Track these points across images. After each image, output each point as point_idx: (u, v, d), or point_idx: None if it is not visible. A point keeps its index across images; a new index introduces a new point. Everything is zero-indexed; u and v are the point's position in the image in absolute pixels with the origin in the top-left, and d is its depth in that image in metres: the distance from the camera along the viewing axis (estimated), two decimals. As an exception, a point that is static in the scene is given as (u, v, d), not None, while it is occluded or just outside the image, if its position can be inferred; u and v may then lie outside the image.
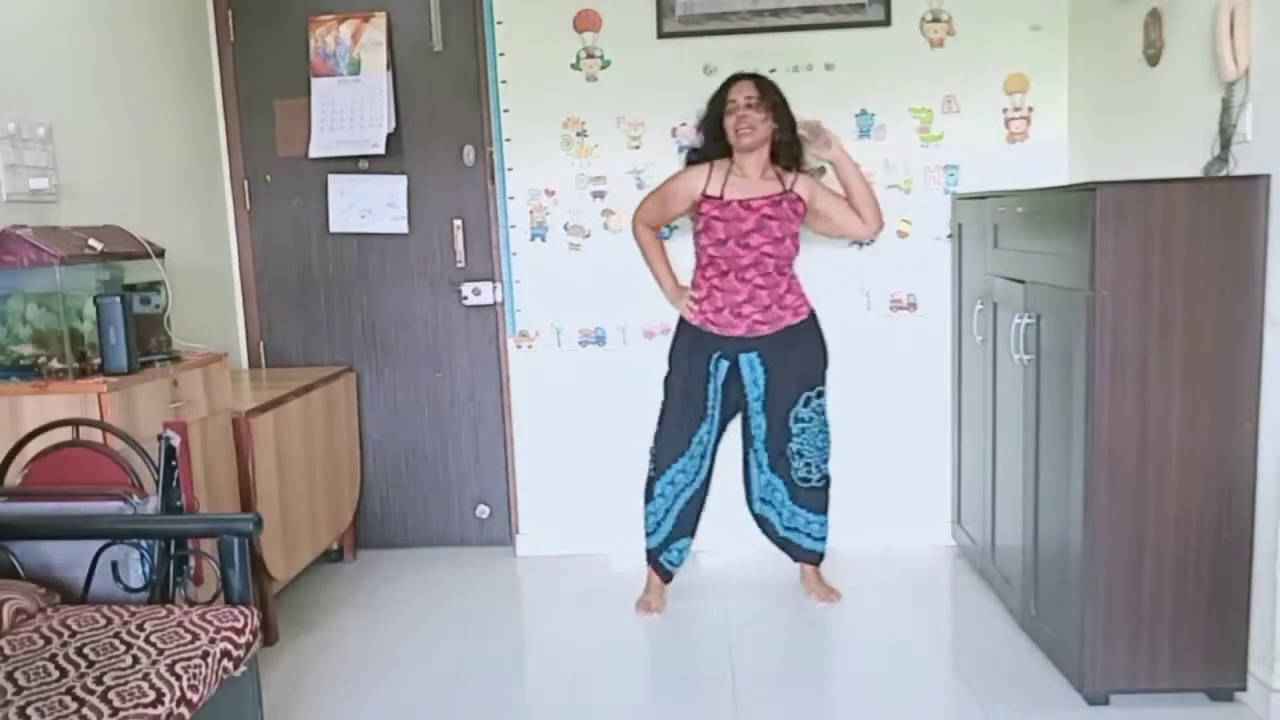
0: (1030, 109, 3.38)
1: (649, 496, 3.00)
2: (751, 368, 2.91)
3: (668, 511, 2.99)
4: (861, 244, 3.45)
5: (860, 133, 3.41)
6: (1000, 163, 3.38)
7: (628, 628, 2.98)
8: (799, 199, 2.89)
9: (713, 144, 2.94)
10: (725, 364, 2.91)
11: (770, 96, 2.88)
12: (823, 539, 3.08)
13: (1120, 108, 2.96)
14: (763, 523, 3.15)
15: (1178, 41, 2.60)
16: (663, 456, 2.96)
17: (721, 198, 2.86)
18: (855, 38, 3.37)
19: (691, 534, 3.06)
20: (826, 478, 3.03)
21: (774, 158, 2.94)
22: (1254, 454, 2.27)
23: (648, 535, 3.04)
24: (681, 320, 2.98)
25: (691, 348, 2.94)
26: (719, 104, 2.91)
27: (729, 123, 2.87)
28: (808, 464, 2.98)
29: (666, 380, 2.99)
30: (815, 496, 3.02)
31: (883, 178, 3.42)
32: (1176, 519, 2.29)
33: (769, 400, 2.95)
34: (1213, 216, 2.22)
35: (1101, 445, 2.28)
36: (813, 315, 2.97)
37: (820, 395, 2.97)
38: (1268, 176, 2.21)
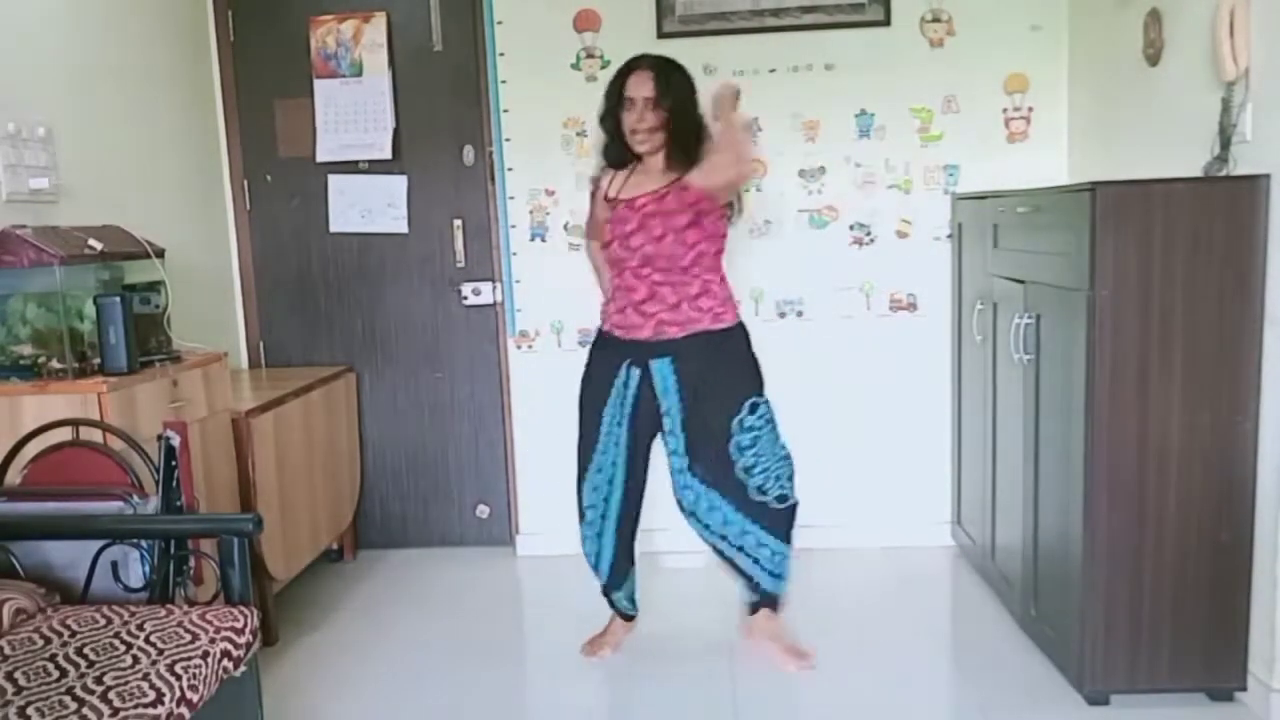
0: (1030, 109, 3.38)
1: (579, 517, 2.73)
2: (663, 375, 2.54)
3: (599, 536, 2.69)
4: (861, 243, 3.45)
5: (860, 133, 3.41)
6: (1000, 163, 3.38)
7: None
8: (686, 187, 2.50)
9: (614, 144, 2.59)
10: (637, 372, 2.56)
11: (674, 93, 2.48)
12: (783, 577, 2.63)
13: (1120, 108, 2.95)
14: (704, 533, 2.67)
15: (1178, 41, 2.60)
16: (578, 474, 2.69)
17: (616, 198, 2.58)
18: (855, 38, 3.37)
19: (632, 565, 2.76)
20: (787, 498, 2.59)
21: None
22: (1254, 454, 2.27)
23: (591, 568, 2.75)
24: (598, 332, 2.69)
25: (598, 357, 2.65)
26: (614, 97, 2.54)
27: (626, 121, 2.51)
28: (763, 477, 2.55)
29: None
30: (773, 516, 2.58)
31: (883, 178, 3.42)
32: (1176, 519, 2.29)
33: (692, 411, 2.54)
34: (1213, 216, 2.22)
35: (1101, 445, 2.28)
36: (741, 328, 2.60)
37: (766, 403, 2.57)
38: (1268, 176, 2.21)
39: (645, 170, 2.57)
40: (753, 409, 2.54)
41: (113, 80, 2.94)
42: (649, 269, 2.53)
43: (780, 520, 2.58)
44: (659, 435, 2.64)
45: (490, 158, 3.52)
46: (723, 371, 2.55)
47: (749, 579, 2.63)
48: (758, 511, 2.56)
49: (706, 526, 2.61)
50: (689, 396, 2.54)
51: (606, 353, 2.63)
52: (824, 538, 3.46)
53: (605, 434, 2.62)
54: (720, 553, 2.64)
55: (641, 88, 2.48)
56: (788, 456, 2.61)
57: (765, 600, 2.66)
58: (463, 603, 3.23)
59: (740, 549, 2.60)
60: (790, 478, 2.61)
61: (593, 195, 2.72)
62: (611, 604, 2.78)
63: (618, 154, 2.60)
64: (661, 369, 2.54)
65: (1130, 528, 2.30)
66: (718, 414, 2.53)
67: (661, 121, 2.48)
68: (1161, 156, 2.67)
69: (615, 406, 2.60)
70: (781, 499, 2.57)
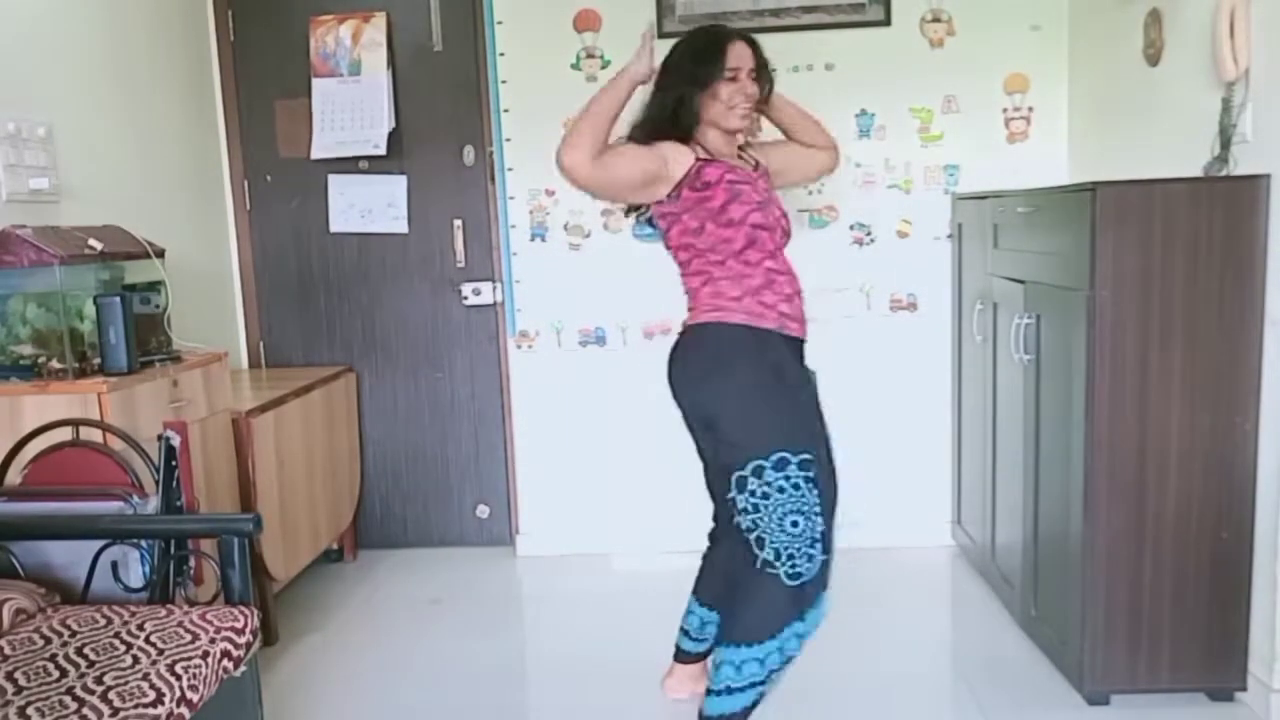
0: (1030, 109, 3.38)
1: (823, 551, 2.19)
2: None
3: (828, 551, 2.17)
4: (862, 243, 3.45)
5: (860, 133, 3.41)
6: (1000, 163, 3.38)
7: (628, 628, 2.98)
8: (766, 173, 2.35)
9: (682, 114, 2.19)
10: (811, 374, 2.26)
11: (767, 66, 2.27)
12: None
13: (1120, 108, 2.95)
14: None
15: (1178, 41, 2.60)
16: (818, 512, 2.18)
17: (729, 167, 2.21)
18: (855, 38, 3.37)
19: (706, 605, 2.48)
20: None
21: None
22: (1254, 454, 2.27)
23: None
24: (756, 329, 2.15)
25: (788, 358, 2.20)
26: (713, 66, 2.17)
27: (725, 92, 2.17)
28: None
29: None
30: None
31: (883, 178, 3.42)
32: (1176, 519, 2.29)
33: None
34: (1213, 216, 2.22)
35: (1101, 445, 2.28)
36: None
37: None
38: (1268, 176, 2.21)
39: (714, 149, 2.24)
40: None
41: (113, 80, 2.94)
42: (783, 251, 2.24)
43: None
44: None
45: (490, 158, 3.52)
46: None
47: None
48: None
49: None
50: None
51: (787, 353, 2.19)
52: (824, 538, 3.47)
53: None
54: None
55: (745, 59, 2.20)
56: None
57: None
58: (463, 603, 3.23)
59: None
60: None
61: (649, 154, 2.16)
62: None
63: (688, 124, 2.20)
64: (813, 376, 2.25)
65: (1130, 528, 2.30)
66: None
67: (760, 96, 2.25)
68: (1161, 156, 2.67)
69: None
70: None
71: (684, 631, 2.53)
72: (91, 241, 2.41)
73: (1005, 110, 3.39)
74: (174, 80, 3.31)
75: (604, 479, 3.58)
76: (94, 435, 2.19)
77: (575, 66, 3.43)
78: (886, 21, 3.36)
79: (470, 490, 3.72)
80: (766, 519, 2.07)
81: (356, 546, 3.68)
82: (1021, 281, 2.66)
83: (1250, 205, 2.21)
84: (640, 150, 2.17)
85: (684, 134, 2.21)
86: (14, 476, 2.18)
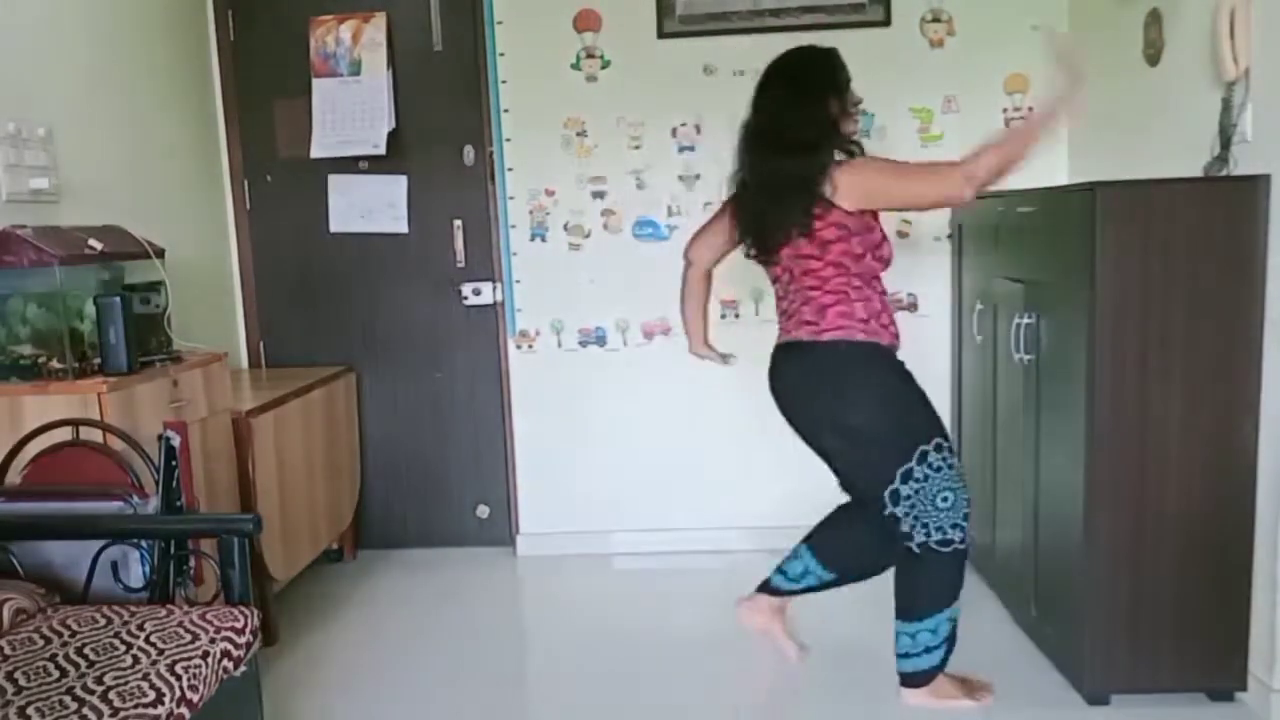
0: (1030, 109, 3.37)
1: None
2: None
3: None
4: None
5: (860, 133, 3.40)
6: (1000, 163, 3.37)
7: (627, 628, 2.98)
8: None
9: (831, 142, 2.34)
10: None
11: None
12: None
13: (1120, 108, 2.95)
14: None
15: (1178, 41, 2.60)
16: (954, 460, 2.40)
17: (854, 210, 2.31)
18: (855, 38, 3.36)
19: (823, 562, 2.55)
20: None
21: None
22: (1254, 454, 2.27)
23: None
24: (884, 348, 2.34)
25: (906, 368, 2.39)
26: (843, 95, 2.37)
27: (848, 128, 2.37)
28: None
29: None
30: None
31: (883, 178, 3.42)
32: (1176, 519, 2.29)
33: None
34: (1213, 216, 2.22)
35: (1101, 445, 2.28)
36: None
37: None
38: (1268, 176, 2.21)
39: None
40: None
41: (113, 80, 2.94)
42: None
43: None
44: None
45: (490, 158, 3.52)
46: None
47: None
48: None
49: None
50: None
51: (900, 363, 2.38)
52: (824, 538, 3.47)
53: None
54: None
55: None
56: None
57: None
58: (463, 603, 3.23)
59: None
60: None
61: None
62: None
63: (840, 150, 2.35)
64: None
65: (1130, 528, 2.30)
66: None
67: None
68: (1161, 156, 2.66)
69: None
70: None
71: (781, 571, 2.59)
72: (91, 241, 2.41)
73: (1005, 110, 3.39)
74: (174, 80, 3.31)
75: (604, 479, 3.58)
76: (94, 435, 2.19)
77: (575, 66, 3.43)
78: (886, 22, 3.36)
79: (470, 490, 3.72)
80: (924, 503, 2.28)
81: (356, 546, 3.68)
82: (1021, 281, 2.66)
83: (1250, 205, 2.21)
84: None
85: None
86: (14, 476, 2.18)
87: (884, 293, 2.38)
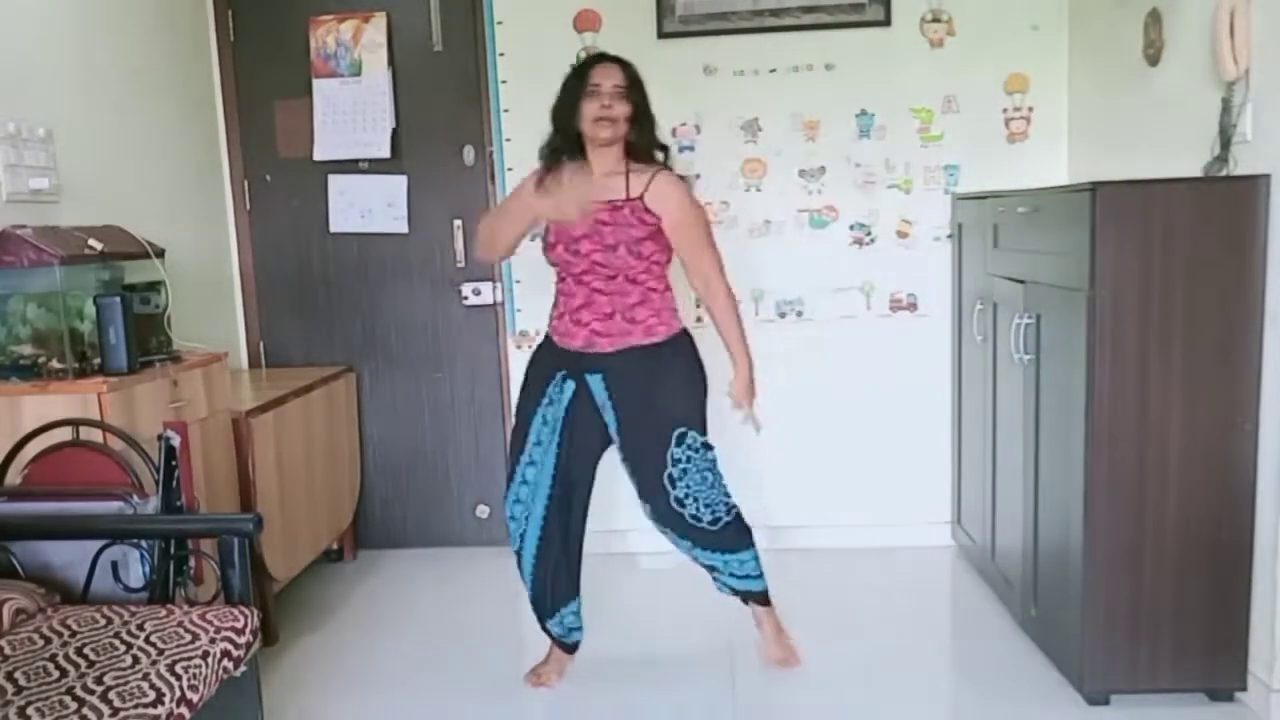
0: (1030, 109, 3.38)
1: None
2: (598, 392, 2.47)
3: (519, 555, 2.56)
4: (862, 243, 3.45)
5: (860, 133, 3.41)
6: (1000, 163, 3.37)
7: (627, 627, 2.98)
8: (647, 210, 2.45)
9: (562, 137, 2.52)
10: (572, 384, 2.48)
11: (638, 87, 2.47)
12: (750, 576, 2.55)
13: (1120, 108, 2.95)
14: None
15: (1178, 41, 2.60)
16: (505, 483, 2.59)
17: None
18: (855, 38, 3.37)
19: (573, 594, 2.61)
20: (721, 520, 2.47)
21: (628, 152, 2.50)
22: (1254, 454, 2.27)
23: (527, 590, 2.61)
24: (545, 336, 2.63)
25: (536, 362, 2.59)
26: (578, 88, 2.47)
27: (589, 109, 2.43)
28: (695, 509, 2.46)
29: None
30: (715, 538, 2.48)
31: (883, 178, 3.42)
32: (1176, 519, 2.29)
33: (625, 437, 2.48)
34: (1213, 216, 2.22)
35: (1101, 445, 2.28)
36: (676, 340, 2.49)
37: (694, 433, 2.46)
38: (1268, 176, 2.21)
39: (596, 173, 2.48)
40: (679, 440, 2.43)
41: (113, 80, 2.94)
42: (591, 276, 2.48)
43: (722, 539, 2.49)
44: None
45: (490, 158, 3.52)
46: (654, 395, 2.45)
47: (724, 585, 2.59)
48: (697, 536, 2.48)
49: (666, 537, 2.56)
50: (624, 419, 2.46)
51: (543, 358, 2.58)
52: (824, 538, 3.47)
53: (533, 444, 2.51)
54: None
55: (610, 76, 2.44)
56: (720, 491, 2.49)
57: (745, 596, 2.60)
58: (463, 603, 3.23)
59: (696, 559, 2.55)
60: (721, 503, 2.48)
61: (519, 186, 2.64)
62: (547, 633, 2.62)
63: (568, 149, 2.51)
64: (595, 385, 2.47)
65: (1130, 528, 2.30)
66: (651, 441, 2.45)
67: (626, 113, 2.43)
68: (1161, 156, 2.66)
69: (545, 417, 2.50)
70: (715, 521, 2.47)
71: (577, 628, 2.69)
72: (91, 241, 2.41)
73: (1005, 110, 3.39)
74: (174, 80, 3.31)
75: (603, 479, 3.56)
76: (94, 435, 2.19)
77: (575, 66, 3.42)
78: (886, 21, 3.36)
79: (470, 490, 3.72)
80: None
81: (356, 546, 3.68)
82: (1021, 281, 2.66)
83: (1250, 205, 2.21)
84: None
85: (564, 154, 2.55)
86: (14, 476, 2.18)
87: (557, 284, 2.61)
